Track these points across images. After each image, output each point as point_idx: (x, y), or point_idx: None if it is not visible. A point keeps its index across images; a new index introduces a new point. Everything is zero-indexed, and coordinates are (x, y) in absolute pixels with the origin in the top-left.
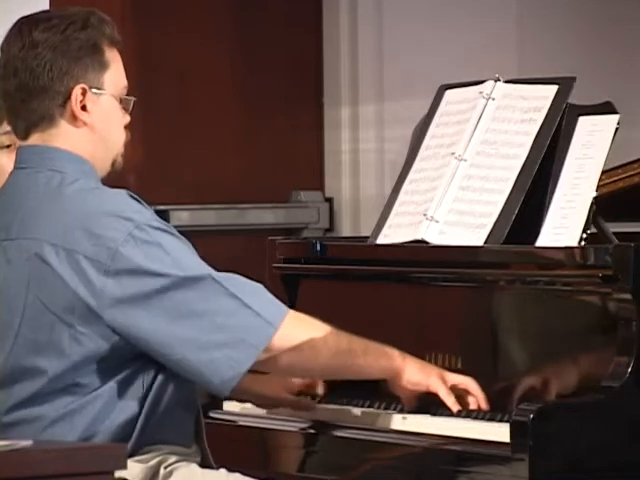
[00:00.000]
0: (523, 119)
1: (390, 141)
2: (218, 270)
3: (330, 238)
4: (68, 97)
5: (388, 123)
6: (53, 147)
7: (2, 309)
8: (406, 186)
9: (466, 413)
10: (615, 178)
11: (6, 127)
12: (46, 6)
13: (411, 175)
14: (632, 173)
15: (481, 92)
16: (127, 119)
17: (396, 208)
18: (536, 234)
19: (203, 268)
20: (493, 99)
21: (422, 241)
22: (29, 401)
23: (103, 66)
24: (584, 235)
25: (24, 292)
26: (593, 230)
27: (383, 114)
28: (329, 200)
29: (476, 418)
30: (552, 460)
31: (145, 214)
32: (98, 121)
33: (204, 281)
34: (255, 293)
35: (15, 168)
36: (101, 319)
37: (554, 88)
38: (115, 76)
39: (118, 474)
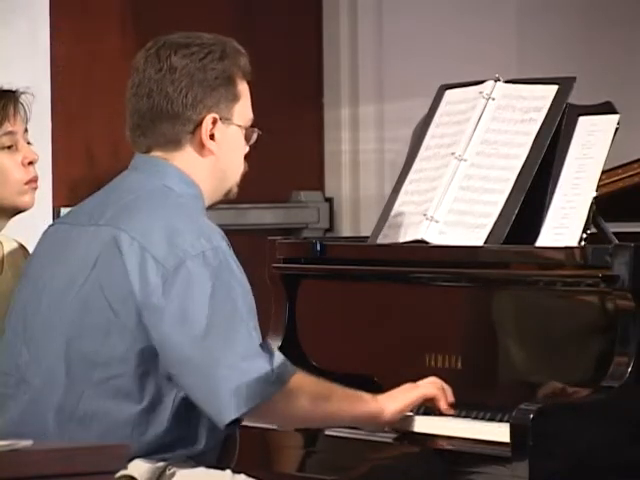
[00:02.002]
0: (523, 119)
1: (390, 141)
2: None
3: (330, 238)
4: (199, 125)
5: (388, 123)
6: (170, 164)
7: (62, 280)
8: (406, 186)
9: (466, 413)
10: (615, 178)
11: (7, 128)
12: (46, 8)
13: (411, 175)
14: (632, 173)
15: (481, 92)
16: (246, 149)
17: (396, 208)
18: (536, 234)
19: (246, 316)
20: (493, 99)
21: (422, 241)
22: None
23: (235, 98)
24: (584, 235)
25: (88, 269)
26: (593, 230)
27: (383, 114)
28: (329, 200)
29: (476, 418)
30: (552, 460)
31: (226, 247)
32: (223, 151)
33: (239, 324)
34: (271, 351)
35: (128, 169)
36: (141, 317)
37: (554, 88)
38: (244, 108)
39: (125, 472)
